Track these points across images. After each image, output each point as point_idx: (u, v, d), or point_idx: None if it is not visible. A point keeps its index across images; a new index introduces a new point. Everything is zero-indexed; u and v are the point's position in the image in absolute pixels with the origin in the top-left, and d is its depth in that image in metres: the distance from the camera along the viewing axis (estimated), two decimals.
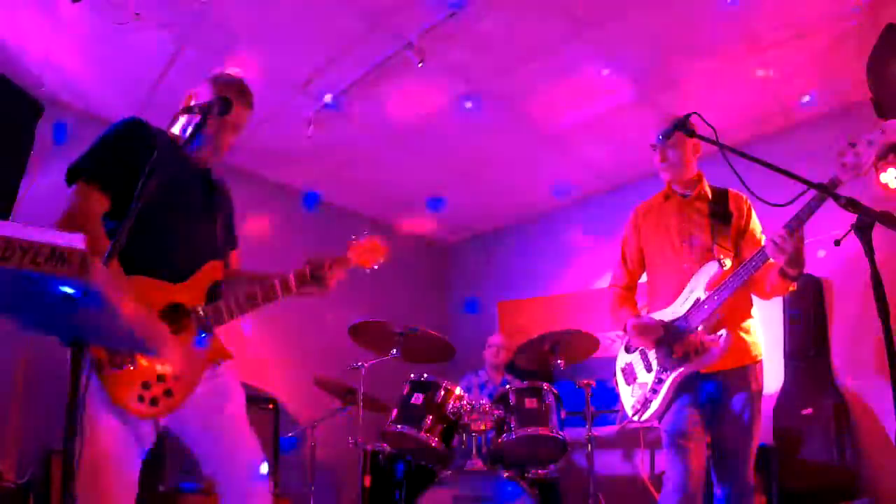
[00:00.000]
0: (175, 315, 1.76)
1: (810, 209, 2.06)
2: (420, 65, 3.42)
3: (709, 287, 2.35)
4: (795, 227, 2.10)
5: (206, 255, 1.90)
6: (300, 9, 3.31)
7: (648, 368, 2.49)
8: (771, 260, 2.17)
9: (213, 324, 1.80)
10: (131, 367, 1.65)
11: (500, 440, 3.23)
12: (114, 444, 1.62)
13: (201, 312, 1.79)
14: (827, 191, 1.90)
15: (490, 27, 3.42)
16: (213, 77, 2.06)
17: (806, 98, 3.99)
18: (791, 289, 2.31)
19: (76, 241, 0.98)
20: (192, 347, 1.76)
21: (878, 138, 1.88)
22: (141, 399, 1.63)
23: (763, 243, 2.20)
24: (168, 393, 1.68)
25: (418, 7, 3.26)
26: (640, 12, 3.29)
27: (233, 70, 2.17)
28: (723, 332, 2.28)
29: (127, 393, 1.62)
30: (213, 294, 1.87)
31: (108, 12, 3.27)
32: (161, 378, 1.68)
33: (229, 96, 1.84)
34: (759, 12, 3.29)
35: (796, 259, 2.15)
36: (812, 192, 1.99)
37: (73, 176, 1.79)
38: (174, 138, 2.05)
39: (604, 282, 2.95)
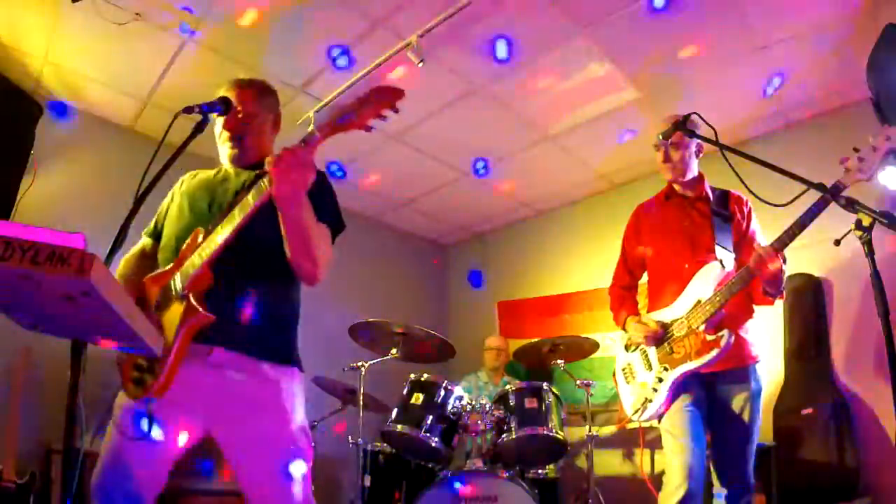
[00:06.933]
0: (164, 299, 1.72)
1: (802, 225, 2.08)
2: (420, 65, 3.42)
3: (710, 287, 2.35)
4: (780, 246, 2.14)
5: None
6: (300, 8, 3.30)
7: (649, 368, 2.49)
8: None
9: (181, 282, 1.66)
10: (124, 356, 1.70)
11: (500, 440, 3.23)
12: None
13: (172, 279, 1.69)
14: (827, 191, 1.90)
15: (490, 27, 3.42)
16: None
17: (805, 98, 4.00)
18: (775, 302, 2.34)
19: (76, 241, 0.98)
20: (170, 317, 1.64)
21: (882, 144, 1.88)
22: (133, 382, 1.65)
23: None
24: (150, 370, 1.61)
25: (418, 7, 3.26)
26: (640, 12, 3.29)
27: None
28: (724, 332, 2.27)
29: (128, 375, 1.67)
30: (211, 299, 1.70)
31: (108, 12, 3.26)
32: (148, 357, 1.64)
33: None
34: (759, 12, 3.29)
35: (774, 280, 2.17)
36: (810, 198, 1.99)
37: None
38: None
39: (604, 282, 2.95)
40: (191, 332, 1.61)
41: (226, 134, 1.95)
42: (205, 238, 1.70)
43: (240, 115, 1.95)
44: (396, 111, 1.59)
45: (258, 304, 1.77)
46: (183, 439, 1.74)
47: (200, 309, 1.61)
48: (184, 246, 1.74)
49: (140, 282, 1.82)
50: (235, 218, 1.64)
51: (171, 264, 1.74)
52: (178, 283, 1.68)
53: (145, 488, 1.69)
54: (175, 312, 1.63)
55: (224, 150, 1.98)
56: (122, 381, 1.71)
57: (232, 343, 1.72)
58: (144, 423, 1.59)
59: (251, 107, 1.97)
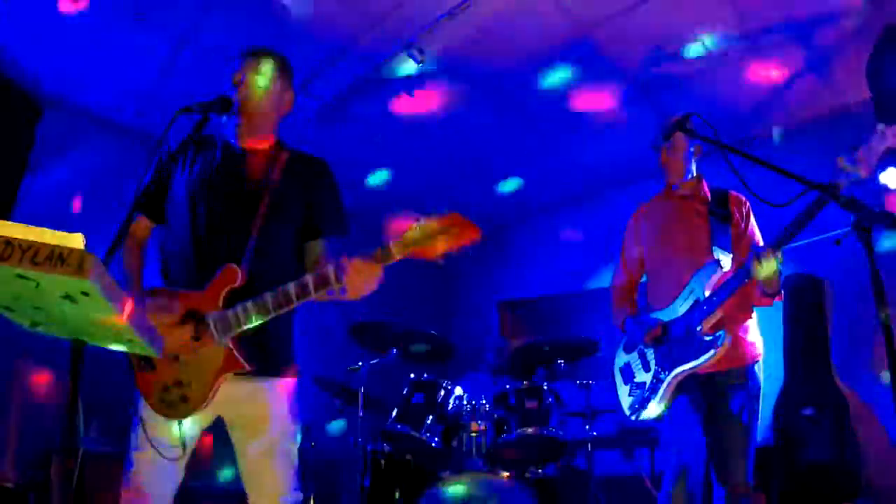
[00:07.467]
0: (192, 323, 1.73)
1: (800, 224, 2.07)
2: (420, 65, 3.42)
3: (708, 288, 2.35)
4: (778, 246, 2.13)
5: (225, 259, 1.78)
6: (300, 8, 3.30)
7: (647, 368, 2.49)
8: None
9: (223, 332, 1.70)
10: (149, 371, 1.74)
11: (500, 440, 3.23)
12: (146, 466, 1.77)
13: (210, 320, 1.71)
14: (827, 191, 1.90)
15: (490, 27, 3.42)
16: None
17: (805, 98, 4.00)
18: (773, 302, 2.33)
19: (75, 241, 0.98)
20: (207, 355, 1.71)
21: (881, 143, 1.88)
22: (162, 401, 1.74)
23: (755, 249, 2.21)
24: (183, 398, 1.71)
25: (418, 7, 3.26)
26: (639, 12, 3.29)
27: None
28: (721, 332, 2.27)
29: (152, 393, 1.75)
30: (237, 299, 1.74)
31: (108, 12, 3.27)
32: (178, 384, 1.71)
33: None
34: (759, 12, 3.29)
35: (772, 280, 2.17)
36: (811, 198, 1.98)
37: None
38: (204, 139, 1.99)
39: (604, 282, 2.96)
40: (227, 376, 1.72)
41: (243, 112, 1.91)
42: (244, 290, 1.73)
43: (252, 87, 1.91)
44: (468, 249, 1.71)
45: (267, 325, 1.79)
46: (198, 436, 1.89)
47: (246, 365, 1.71)
48: (216, 277, 1.75)
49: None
50: (290, 296, 1.70)
51: (203, 291, 1.75)
52: (217, 326, 1.71)
53: (175, 483, 1.83)
54: (211, 353, 1.71)
55: (232, 121, 1.91)
56: (144, 394, 1.78)
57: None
58: (180, 445, 1.76)
59: (264, 79, 1.94)
